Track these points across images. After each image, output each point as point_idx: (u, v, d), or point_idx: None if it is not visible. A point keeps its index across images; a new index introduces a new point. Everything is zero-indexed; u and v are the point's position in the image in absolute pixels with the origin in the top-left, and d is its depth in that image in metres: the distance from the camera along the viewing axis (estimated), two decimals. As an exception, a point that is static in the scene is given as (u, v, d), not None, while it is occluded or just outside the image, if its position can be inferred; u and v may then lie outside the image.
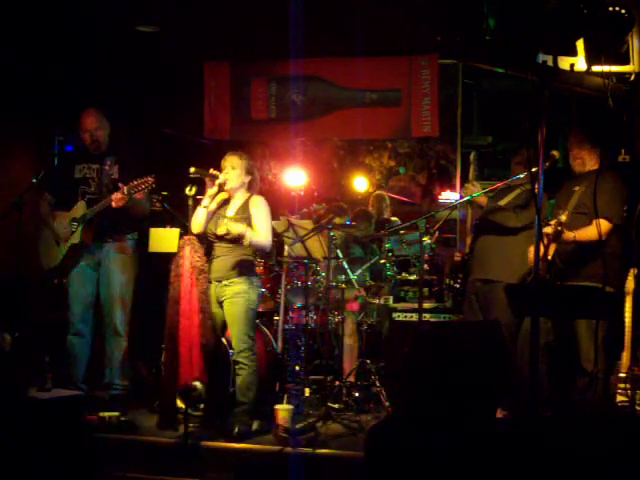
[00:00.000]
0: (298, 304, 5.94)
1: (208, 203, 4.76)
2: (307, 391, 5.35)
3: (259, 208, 4.79)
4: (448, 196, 8.06)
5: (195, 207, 4.77)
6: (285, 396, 5.30)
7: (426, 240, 5.78)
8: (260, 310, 5.71)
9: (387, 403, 5.22)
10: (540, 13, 3.52)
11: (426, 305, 5.82)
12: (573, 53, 3.75)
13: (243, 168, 4.79)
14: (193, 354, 4.48)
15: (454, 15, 5.49)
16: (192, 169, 4.58)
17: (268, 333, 5.64)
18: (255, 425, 4.76)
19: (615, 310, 4.17)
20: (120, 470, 4.41)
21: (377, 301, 5.89)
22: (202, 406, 4.93)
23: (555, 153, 4.74)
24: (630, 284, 4.19)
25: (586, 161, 4.71)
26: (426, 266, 5.99)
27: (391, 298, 6.08)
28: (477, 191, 4.95)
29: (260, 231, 4.71)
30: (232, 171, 4.76)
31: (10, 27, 5.62)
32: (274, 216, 5.10)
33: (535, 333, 3.27)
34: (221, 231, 4.61)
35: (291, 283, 5.94)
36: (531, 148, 4.51)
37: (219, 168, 4.78)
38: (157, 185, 4.94)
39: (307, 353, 5.67)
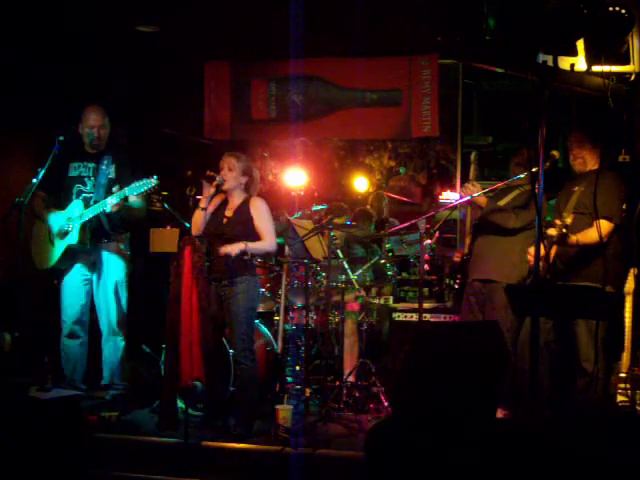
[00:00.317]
0: (298, 304, 5.94)
1: (205, 204, 4.77)
2: (307, 391, 5.34)
3: (260, 212, 4.80)
4: (448, 196, 8.05)
5: (195, 207, 4.78)
6: (285, 396, 5.30)
7: (426, 240, 5.78)
8: (260, 310, 5.71)
9: (387, 403, 5.22)
10: (540, 13, 3.52)
11: (426, 305, 5.82)
12: (573, 53, 3.76)
13: (240, 169, 4.80)
14: (193, 354, 4.48)
15: (454, 15, 5.49)
16: (189, 172, 4.61)
17: (268, 333, 5.64)
18: (255, 425, 4.76)
19: (615, 310, 4.17)
20: (120, 470, 4.41)
21: (377, 301, 5.90)
22: (202, 406, 4.94)
23: (555, 153, 4.74)
24: (630, 284, 4.19)
25: (587, 161, 4.71)
26: (426, 266, 5.99)
27: (391, 298, 6.08)
28: (477, 191, 4.95)
29: (264, 236, 4.75)
30: (229, 172, 4.78)
31: (10, 27, 5.62)
32: (274, 216, 5.11)
33: (535, 333, 3.27)
34: (222, 253, 4.61)
35: (291, 283, 5.94)
36: (531, 148, 4.52)
37: (218, 168, 4.79)
38: (157, 185, 4.93)
39: (307, 353, 5.67)
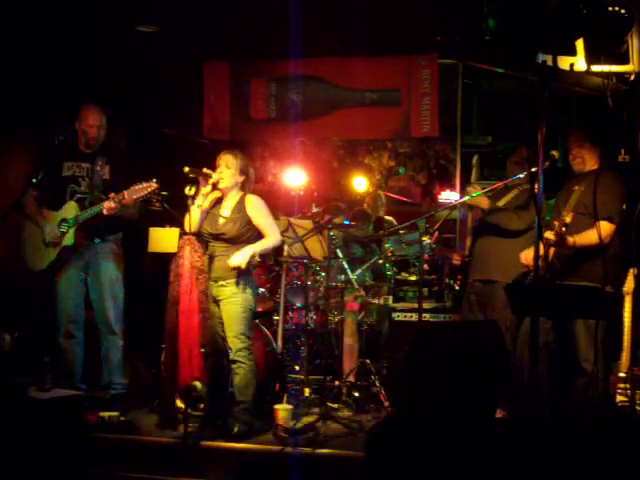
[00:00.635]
0: (298, 304, 5.94)
1: (201, 202, 4.77)
2: (307, 391, 5.35)
3: (258, 209, 4.81)
4: (448, 196, 8.05)
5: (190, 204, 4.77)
6: (285, 396, 5.30)
7: (426, 240, 5.78)
8: (260, 310, 5.71)
9: (387, 403, 5.22)
10: (540, 13, 3.52)
11: (426, 305, 5.82)
12: (573, 53, 3.76)
13: (237, 167, 4.80)
14: (193, 354, 4.48)
15: (454, 15, 5.49)
16: (186, 169, 4.59)
17: (268, 333, 5.64)
18: (255, 425, 4.76)
19: (614, 310, 4.17)
20: (120, 470, 4.40)
21: (377, 301, 5.89)
22: (202, 406, 4.93)
23: (555, 153, 4.73)
24: (630, 284, 4.19)
25: (586, 161, 4.71)
26: (426, 266, 5.98)
27: (391, 298, 6.08)
28: (477, 192, 4.95)
29: (267, 232, 4.77)
30: (226, 170, 4.77)
31: (10, 27, 5.62)
32: (274, 216, 5.10)
33: (535, 333, 3.27)
34: (232, 266, 4.63)
35: (291, 283, 5.94)
36: (530, 148, 4.52)
37: (216, 166, 4.80)
38: (157, 189, 4.92)
39: (307, 353, 5.67)
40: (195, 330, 4.50)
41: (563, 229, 4.27)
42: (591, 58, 3.80)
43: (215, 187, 4.78)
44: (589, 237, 4.38)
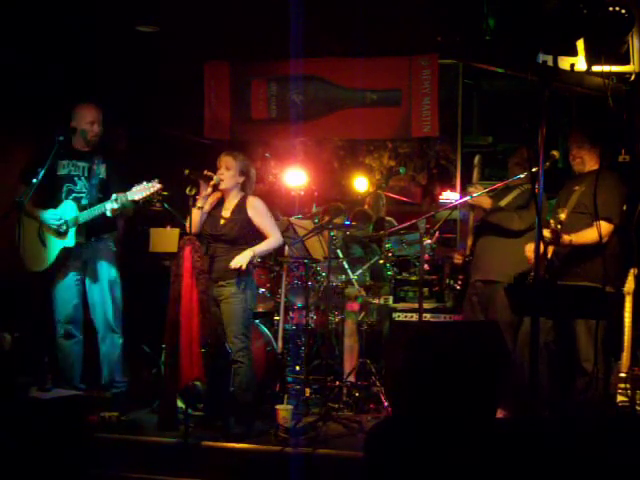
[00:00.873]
0: (298, 304, 5.95)
1: (202, 203, 4.78)
2: (307, 391, 5.34)
3: (258, 210, 4.82)
4: (448, 196, 8.05)
5: (192, 206, 4.77)
6: (285, 396, 5.30)
7: (426, 240, 5.78)
8: (260, 310, 5.72)
9: (387, 403, 5.22)
10: (540, 13, 3.52)
11: (426, 305, 5.81)
12: (573, 53, 3.76)
13: (237, 169, 4.81)
14: (193, 354, 4.48)
15: (454, 15, 5.49)
16: (186, 171, 4.60)
17: (268, 333, 5.64)
18: (255, 425, 4.76)
19: (615, 310, 4.17)
20: (120, 470, 4.41)
21: (377, 301, 5.89)
22: (202, 406, 4.94)
23: (555, 153, 4.73)
24: (630, 284, 4.19)
25: (586, 161, 4.71)
26: (426, 266, 5.98)
27: (391, 298, 6.08)
28: (478, 193, 4.95)
29: (269, 234, 4.79)
30: (226, 172, 4.79)
31: (10, 27, 5.62)
32: (274, 216, 5.11)
33: (535, 333, 3.27)
34: (233, 267, 4.64)
35: (291, 283, 5.95)
36: (531, 148, 4.52)
37: (216, 168, 4.80)
38: (160, 190, 4.91)
39: (307, 353, 5.68)
40: (195, 330, 4.51)
41: (558, 226, 4.27)
42: (591, 58, 3.80)
43: (216, 189, 4.79)
44: (586, 236, 4.39)
